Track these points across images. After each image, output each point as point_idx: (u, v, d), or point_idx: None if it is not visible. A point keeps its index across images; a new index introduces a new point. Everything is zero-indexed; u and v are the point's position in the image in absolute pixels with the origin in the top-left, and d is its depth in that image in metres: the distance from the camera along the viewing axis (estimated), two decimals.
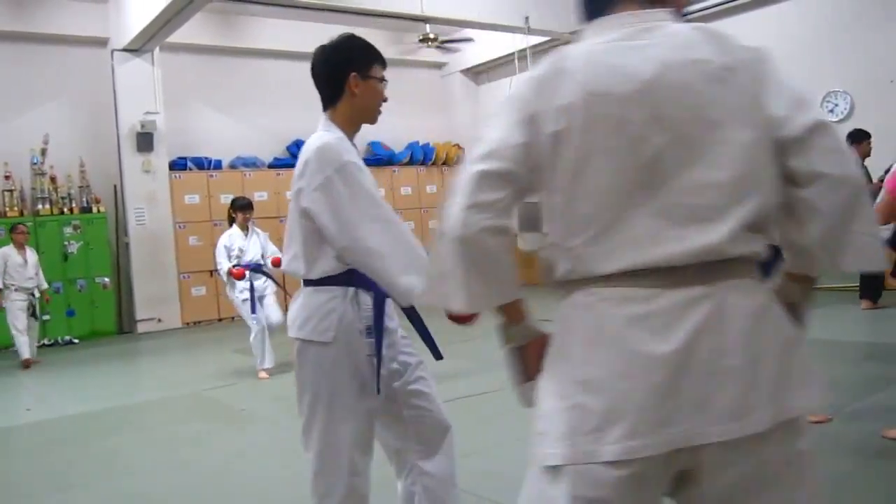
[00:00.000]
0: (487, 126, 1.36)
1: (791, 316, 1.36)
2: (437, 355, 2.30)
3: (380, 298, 2.18)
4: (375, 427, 2.31)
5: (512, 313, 1.41)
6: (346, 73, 2.25)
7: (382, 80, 2.34)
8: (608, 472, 1.23)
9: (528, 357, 1.42)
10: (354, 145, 2.27)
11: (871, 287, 7.03)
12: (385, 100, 2.35)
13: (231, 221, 6.51)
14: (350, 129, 2.28)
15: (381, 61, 2.36)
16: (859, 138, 6.96)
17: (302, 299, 2.23)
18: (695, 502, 1.32)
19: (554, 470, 1.27)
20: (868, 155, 7.10)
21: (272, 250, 6.42)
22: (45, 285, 8.06)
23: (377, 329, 2.18)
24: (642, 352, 1.23)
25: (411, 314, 2.25)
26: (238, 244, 6.35)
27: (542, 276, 1.36)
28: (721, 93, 1.27)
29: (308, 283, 2.22)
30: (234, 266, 6.22)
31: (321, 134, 2.21)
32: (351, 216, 2.08)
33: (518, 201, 1.33)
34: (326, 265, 2.15)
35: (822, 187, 1.27)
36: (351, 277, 2.16)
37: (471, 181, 1.30)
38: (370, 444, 2.27)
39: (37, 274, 7.91)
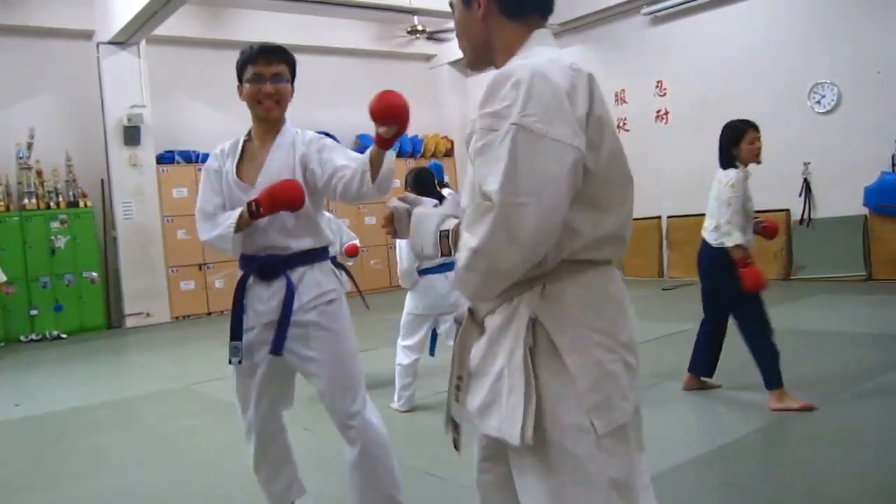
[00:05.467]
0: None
1: None
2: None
3: (244, 279, 2.61)
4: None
5: None
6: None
7: (254, 76, 2.55)
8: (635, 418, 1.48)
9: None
10: (320, 137, 2.67)
11: None
12: (264, 92, 2.54)
13: None
14: (257, 128, 2.65)
15: (253, 59, 2.56)
16: None
17: None
18: None
19: (620, 429, 1.43)
20: None
21: (348, 236, 5.38)
22: (2, 277, 8.03)
23: (234, 302, 2.60)
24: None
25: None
26: None
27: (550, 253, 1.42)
28: None
29: None
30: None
31: None
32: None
33: None
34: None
35: None
36: (239, 259, 2.65)
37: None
38: (249, 398, 2.68)
39: None
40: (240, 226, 2.50)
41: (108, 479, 3.93)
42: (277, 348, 2.52)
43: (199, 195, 2.67)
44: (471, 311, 1.55)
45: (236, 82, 2.62)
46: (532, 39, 1.51)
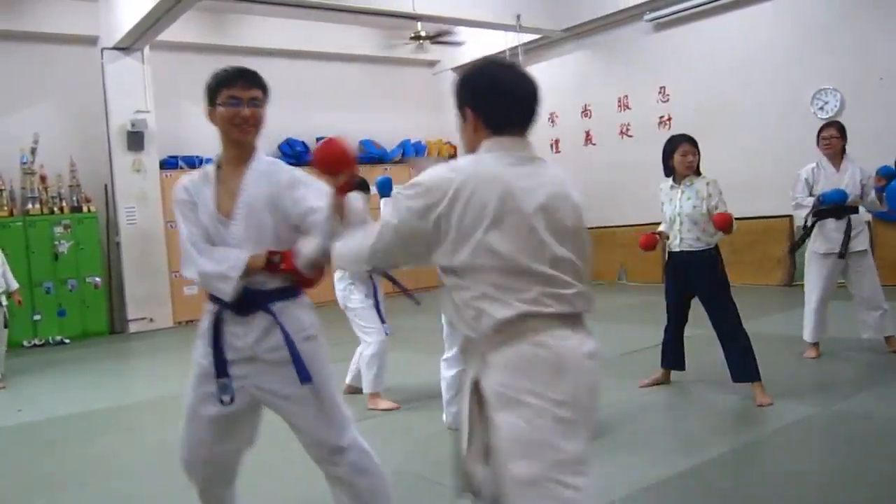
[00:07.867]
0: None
1: None
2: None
3: (219, 314, 2.49)
4: None
5: None
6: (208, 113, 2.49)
7: (230, 99, 2.44)
8: None
9: None
10: (295, 158, 2.66)
11: None
12: (241, 116, 2.44)
13: None
14: (229, 153, 2.54)
15: (230, 83, 2.45)
16: None
17: None
18: None
19: (538, 479, 1.73)
20: None
21: None
22: (15, 285, 6.86)
23: (213, 339, 2.50)
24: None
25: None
26: None
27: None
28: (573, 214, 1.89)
29: None
30: None
31: None
32: (181, 248, 2.54)
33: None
34: None
35: None
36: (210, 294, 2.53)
37: None
38: (208, 439, 2.51)
39: (3, 275, 6.69)
40: (248, 271, 2.37)
41: (109, 485, 3.93)
42: (305, 377, 2.36)
43: (183, 229, 2.50)
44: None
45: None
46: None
